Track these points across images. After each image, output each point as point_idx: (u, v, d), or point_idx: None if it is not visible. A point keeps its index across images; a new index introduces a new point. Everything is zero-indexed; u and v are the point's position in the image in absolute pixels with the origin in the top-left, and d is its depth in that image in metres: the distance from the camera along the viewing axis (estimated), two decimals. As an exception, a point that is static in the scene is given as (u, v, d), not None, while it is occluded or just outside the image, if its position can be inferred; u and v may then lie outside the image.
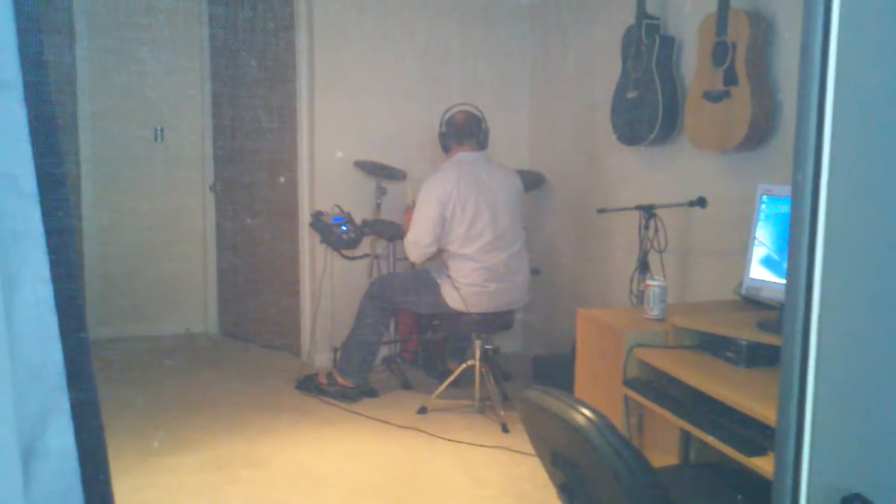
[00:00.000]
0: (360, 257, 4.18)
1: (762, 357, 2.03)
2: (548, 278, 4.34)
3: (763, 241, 2.14)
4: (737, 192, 2.92)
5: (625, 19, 3.42)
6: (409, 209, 3.85)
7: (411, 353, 4.41)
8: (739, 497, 1.85)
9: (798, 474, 0.79)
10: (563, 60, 4.36)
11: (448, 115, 3.75)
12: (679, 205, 3.06)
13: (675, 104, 3.23)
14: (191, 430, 3.44)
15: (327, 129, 4.34)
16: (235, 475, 3.02)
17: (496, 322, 3.67)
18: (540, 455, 1.66)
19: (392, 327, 4.27)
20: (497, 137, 4.01)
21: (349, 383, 3.81)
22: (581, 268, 4.21)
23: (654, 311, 2.45)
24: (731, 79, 2.79)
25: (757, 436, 1.71)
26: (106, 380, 3.96)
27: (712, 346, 2.17)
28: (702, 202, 3.01)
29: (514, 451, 3.23)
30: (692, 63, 3.07)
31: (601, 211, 3.45)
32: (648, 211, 3.10)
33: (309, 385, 3.94)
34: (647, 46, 3.28)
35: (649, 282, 2.51)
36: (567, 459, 1.51)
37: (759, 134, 2.76)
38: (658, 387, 2.13)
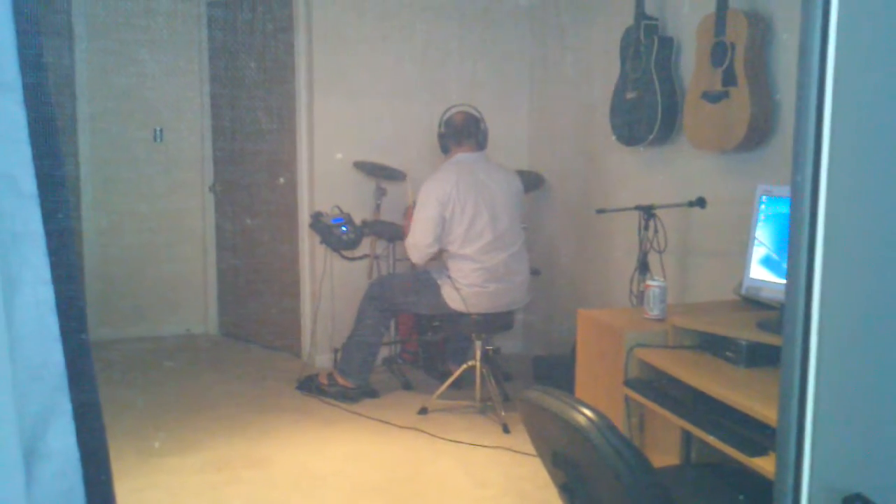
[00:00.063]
0: (360, 258, 4.18)
1: (762, 357, 2.03)
2: (548, 279, 4.34)
3: (763, 241, 2.14)
4: (736, 192, 2.92)
5: (623, 20, 3.42)
6: (409, 211, 3.85)
7: (412, 353, 4.41)
8: (741, 497, 1.85)
9: (799, 474, 0.79)
10: (562, 61, 4.36)
11: (447, 115, 3.76)
12: (678, 205, 3.06)
13: (674, 105, 3.23)
14: (191, 431, 3.44)
15: (326, 131, 4.34)
16: (236, 476, 3.02)
17: (496, 322, 3.67)
18: (541, 455, 1.66)
19: (392, 328, 4.27)
20: (496, 138, 4.01)
21: (350, 384, 3.81)
22: (581, 268, 4.21)
23: (655, 312, 2.45)
24: (729, 79, 2.79)
25: (758, 436, 1.71)
26: (107, 381, 3.96)
27: (712, 346, 2.17)
28: (701, 202, 3.01)
29: (515, 451, 3.23)
30: (691, 64, 3.07)
31: (601, 211, 3.45)
32: (648, 211, 3.10)
33: (309, 386, 3.94)
34: (646, 47, 3.29)
35: (649, 282, 2.52)
36: (568, 459, 1.51)
37: (758, 134, 2.76)
38: (658, 387, 2.13)
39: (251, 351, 4.80)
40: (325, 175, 4.35)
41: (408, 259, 3.79)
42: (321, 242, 3.91)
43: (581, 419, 1.39)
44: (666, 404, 2.03)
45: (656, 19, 3.33)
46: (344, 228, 3.79)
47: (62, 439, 0.85)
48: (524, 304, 3.83)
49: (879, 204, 0.80)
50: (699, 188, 3.07)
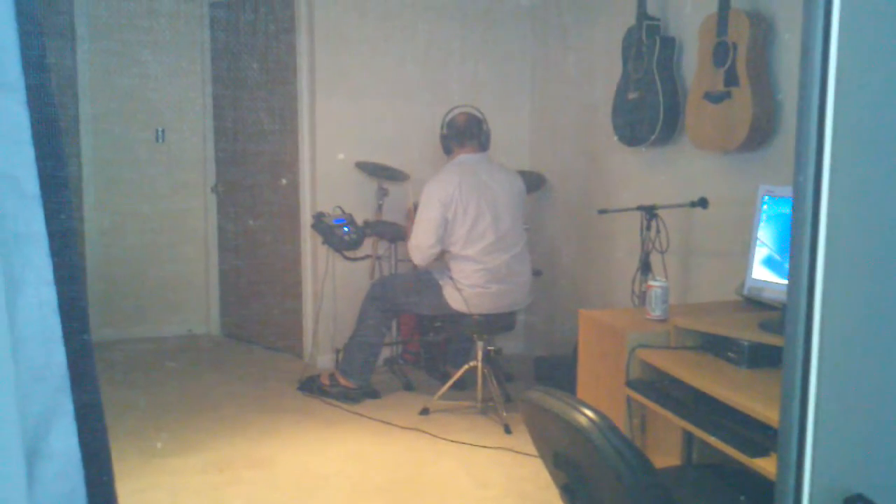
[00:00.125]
0: (362, 258, 4.19)
1: (764, 358, 2.03)
2: (549, 279, 4.34)
3: (765, 242, 2.14)
4: (738, 192, 2.92)
5: (625, 20, 3.42)
6: (411, 213, 3.85)
7: (413, 354, 4.41)
8: (742, 498, 1.85)
9: (800, 475, 0.79)
10: (564, 62, 4.36)
11: (449, 117, 3.76)
12: (680, 205, 3.06)
13: (675, 105, 3.23)
14: (193, 432, 3.44)
15: (328, 131, 4.35)
16: (238, 476, 3.02)
17: (498, 323, 3.67)
18: (542, 456, 1.66)
19: (394, 328, 4.27)
20: (498, 139, 4.01)
21: (351, 384, 3.82)
22: (582, 269, 4.21)
23: (656, 312, 2.45)
24: (731, 79, 2.79)
25: (759, 436, 1.71)
26: (109, 381, 3.96)
27: (714, 346, 2.16)
28: (703, 203, 3.01)
29: (517, 452, 3.23)
30: (693, 64, 3.07)
31: (602, 212, 3.45)
32: (650, 212, 3.10)
33: (311, 386, 3.94)
34: (648, 47, 3.28)
35: (651, 282, 2.51)
36: (569, 460, 1.51)
37: (760, 134, 2.76)
38: (660, 387, 2.12)
39: (253, 351, 4.81)
40: (327, 176, 4.36)
41: (409, 260, 3.79)
42: (323, 243, 3.91)
43: (582, 420, 1.39)
44: (667, 405, 2.03)
45: (658, 19, 3.33)
46: (346, 229, 3.79)
47: (64, 440, 0.85)
48: (526, 305, 3.83)
49: (881, 204, 0.80)
50: (701, 188, 3.07)
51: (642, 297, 2.93)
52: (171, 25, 4.84)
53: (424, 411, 3.68)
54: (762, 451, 1.67)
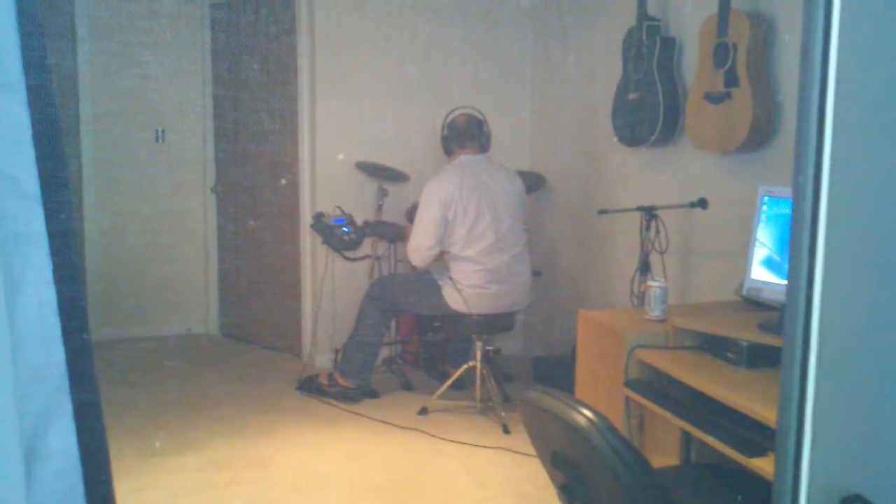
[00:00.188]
0: (362, 258, 4.19)
1: (763, 358, 2.03)
2: (549, 280, 4.34)
3: (764, 242, 2.14)
4: (738, 193, 2.92)
5: (625, 21, 3.43)
6: (411, 214, 3.85)
7: (412, 353, 4.41)
8: (739, 498, 1.85)
9: (798, 475, 0.79)
10: (564, 62, 4.36)
11: (450, 118, 3.76)
12: (680, 206, 3.06)
13: (676, 105, 3.23)
14: (192, 431, 3.44)
15: (329, 132, 4.35)
16: (237, 476, 3.02)
17: (497, 323, 3.67)
18: (540, 456, 1.66)
19: (393, 328, 4.27)
20: (498, 139, 4.01)
21: (350, 384, 3.82)
22: (582, 269, 4.21)
23: (655, 312, 2.45)
24: (731, 80, 2.79)
25: (757, 436, 1.71)
26: (108, 381, 3.96)
27: (713, 346, 2.17)
28: (703, 203, 3.01)
29: (516, 451, 3.23)
30: (693, 64, 3.07)
31: (602, 212, 3.45)
32: (649, 212, 3.10)
33: (310, 386, 3.94)
34: (648, 48, 3.29)
35: (650, 283, 2.51)
36: (567, 460, 1.51)
37: (759, 135, 2.76)
38: (659, 388, 2.13)
39: (252, 351, 4.81)
40: (326, 176, 4.36)
41: (409, 260, 3.79)
42: (323, 243, 3.91)
43: (581, 420, 1.39)
44: (666, 405, 2.03)
45: (658, 20, 3.33)
46: (345, 229, 3.79)
47: (63, 439, 0.86)
48: (525, 305, 3.83)
49: (881, 205, 0.80)
50: (701, 189, 3.07)
51: (641, 298, 2.93)
52: (172, 26, 4.84)
53: (423, 411, 3.68)
54: (760, 451, 1.67)
